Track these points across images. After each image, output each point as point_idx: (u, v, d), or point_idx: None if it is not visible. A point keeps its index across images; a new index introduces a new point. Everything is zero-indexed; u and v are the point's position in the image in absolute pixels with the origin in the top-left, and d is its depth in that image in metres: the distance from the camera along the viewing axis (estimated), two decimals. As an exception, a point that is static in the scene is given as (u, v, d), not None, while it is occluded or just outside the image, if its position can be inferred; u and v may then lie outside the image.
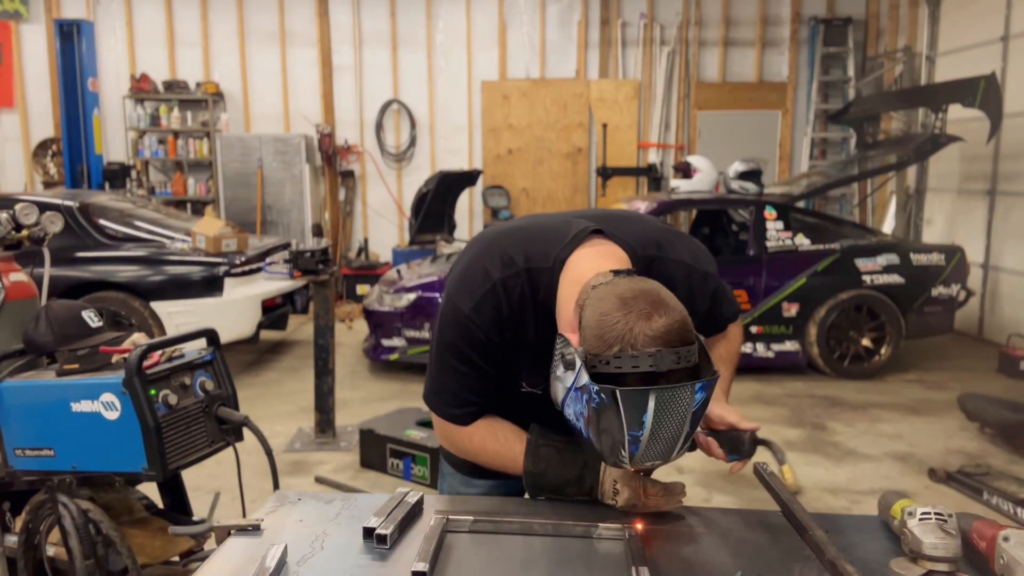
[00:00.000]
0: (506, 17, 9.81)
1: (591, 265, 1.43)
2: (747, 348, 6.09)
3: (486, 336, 1.50)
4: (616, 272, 1.36)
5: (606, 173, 9.52)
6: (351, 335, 7.77)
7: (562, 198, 9.99)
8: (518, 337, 1.52)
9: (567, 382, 1.33)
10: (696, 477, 4.20)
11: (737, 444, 1.56)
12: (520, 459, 1.56)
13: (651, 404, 1.22)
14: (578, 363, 1.28)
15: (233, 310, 5.93)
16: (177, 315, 5.82)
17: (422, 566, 1.27)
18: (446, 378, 1.58)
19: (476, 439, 1.61)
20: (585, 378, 1.26)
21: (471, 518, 1.47)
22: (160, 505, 2.48)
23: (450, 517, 1.46)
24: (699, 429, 1.61)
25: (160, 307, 5.84)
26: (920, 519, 1.27)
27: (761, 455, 1.60)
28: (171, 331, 5.73)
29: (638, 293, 1.27)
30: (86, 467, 2.12)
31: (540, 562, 1.35)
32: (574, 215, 1.61)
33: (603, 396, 1.24)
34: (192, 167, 9.96)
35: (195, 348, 2.28)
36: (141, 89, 9.55)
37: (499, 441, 1.59)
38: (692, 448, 1.62)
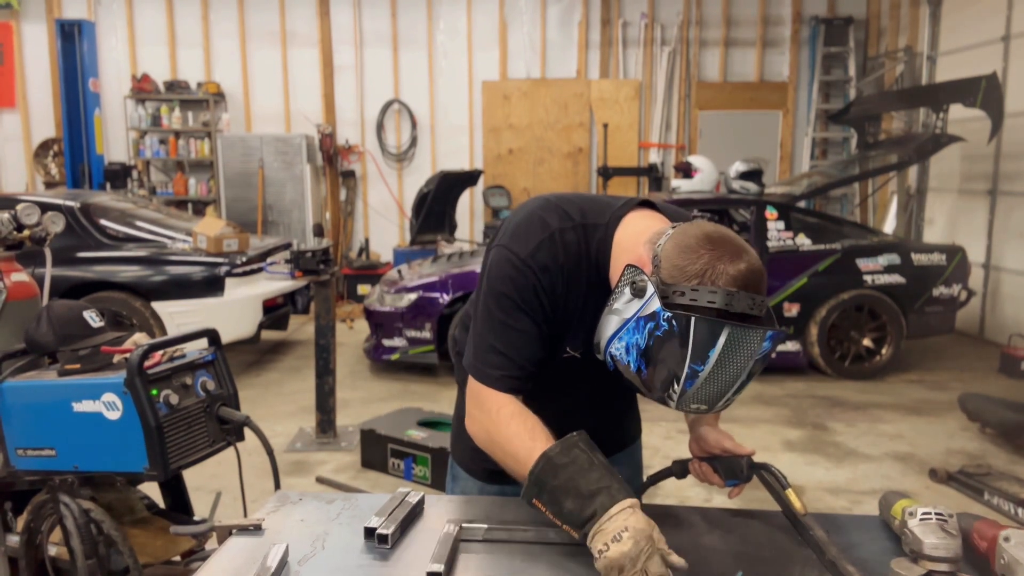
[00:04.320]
0: (507, 17, 9.81)
1: (647, 224, 1.43)
2: (748, 348, 6.08)
3: (541, 283, 1.43)
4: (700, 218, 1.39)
5: (607, 173, 9.52)
6: (352, 335, 7.77)
7: (563, 198, 9.97)
8: (571, 293, 1.47)
9: (629, 312, 1.29)
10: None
11: (735, 469, 1.53)
12: (533, 456, 1.35)
13: (722, 339, 1.21)
14: (650, 290, 1.26)
15: (234, 310, 5.93)
16: (178, 315, 5.82)
17: (437, 567, 1.26)
18: (491, 335, 1.46)
19: (504, 412, 1.44)
20: (656, 304, 1.25)
21: (484, 526, 1.45)
22: (161, 505, 2.48)
23: (463, 525, 1.45)
24: (694, 456, 1.58)
25: (161, 307, 5.84)
26: (921, 519, 1.27)
27: (759, 455, 1.60)
28: (172, 331, 5.73)
29: (724, 236, 1.28)
30: (88, 467, 2.12)
31: (555, 573, 1.34)
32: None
33: (674, 324, 1.22)
34: (193, 167, 9.96)
35: (196, 348, 2.28)
36: (142, 89, 9.56)
37: (525, 427, 1.41)
38: (683, 475, 1.59)
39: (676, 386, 1.26)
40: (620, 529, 1.23)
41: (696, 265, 1.24)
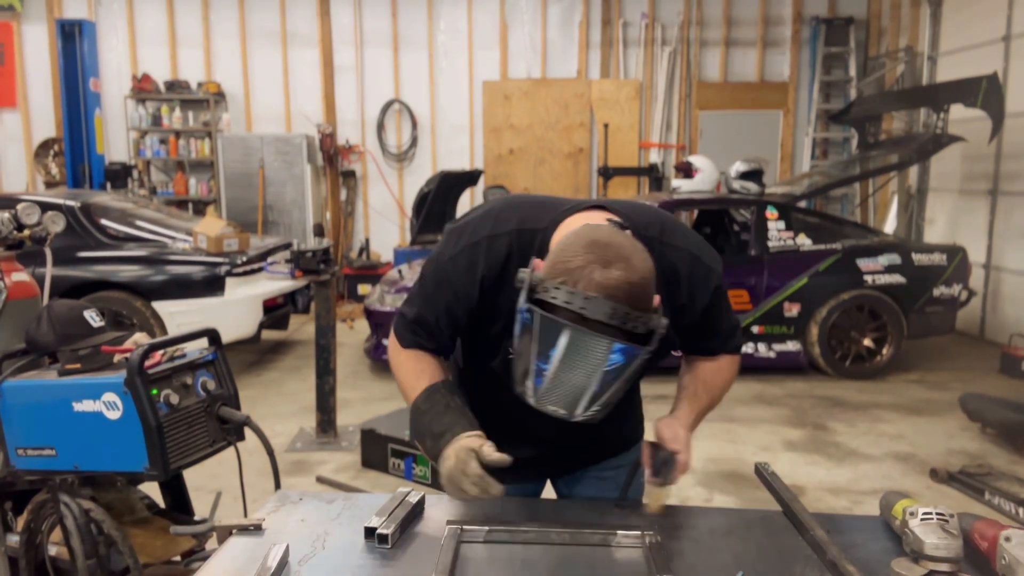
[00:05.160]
0: (507, 17, 9.81)
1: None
2: (748, 348, 6.08)
3: (452, 285, 1.53)
4: (612, 223, 1.36)
5: (607, 173, 9.52)
6: (352, 335, 7.77)
7: (563, 198, 9.97)
8: (501, 296, 1.50)
9: (519, 305, 1.34)
10: (697, 477, 4.20)
11: (667, 467, 1.54)
12: (415, 395, 1.57)
13: (563, 340, 1.23)
14: (526, 283, 1.29)
15: (234, 310, 5.93)
16: (179, 315, 5.82)
17: None
18: (411, 302, 1.62)
19: (403, 356, 1.63)
20: (523, 298, 1.28)
21: (486, 528, 1.45)
22: (162, 505, 2.48)
23: (464, 527, 1.45)
24: (646, 449, 1.59)
25: (162, 307, 5.84)
26: (922, 519, 1.27)
27: (760, 455, 1.60)
28: (172, 331, 5.73)
29: (610, 243, 1.27)
30: (88, 467, 2.12)
31: (558, 572, 1.34)
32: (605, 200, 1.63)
33: (528, 316, 1.26)
34: (193, 167, 9.96)
35: (197, 348, 2.28)
36: (143, 89, 9.56)
37: (416, 371, 1.59)
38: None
39: (528, 382, 1.30)
40: (452, 455, 1.42)
41: (567, 265, 1.26)
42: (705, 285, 1.56)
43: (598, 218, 1.48)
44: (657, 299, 1.32)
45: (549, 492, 1.89)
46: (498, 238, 1.50)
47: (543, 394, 1.30)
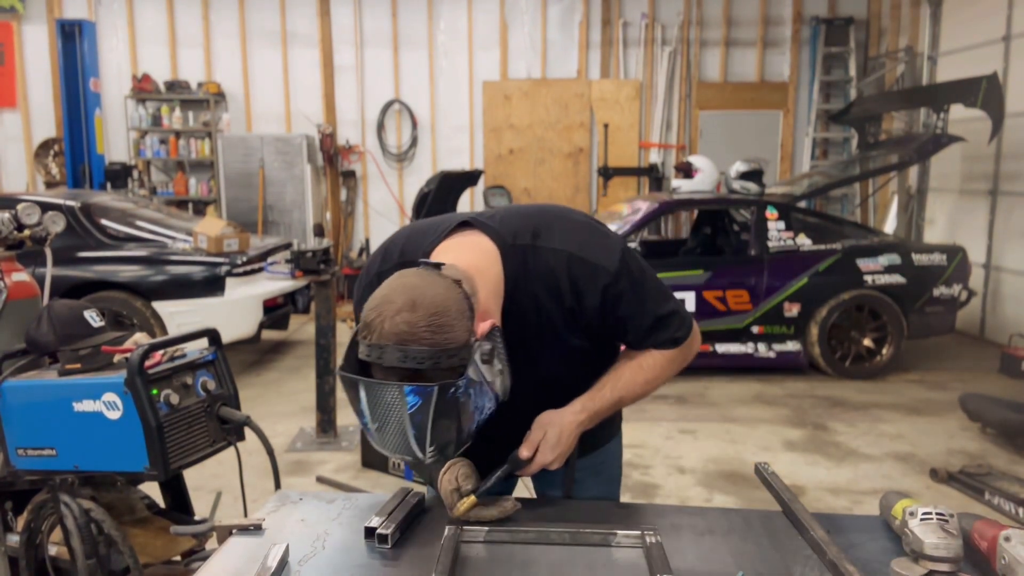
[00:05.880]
0: (507, 17, 9.80)
1: (449, 256, 1.44)
2: (748, 348, 6.09)
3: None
4: (424, 264, 1.37)
5: (607, 173, 9.51)
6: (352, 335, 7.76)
7: (563, 198, 9.98)
8: None
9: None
10: (697, 477, 4.20)
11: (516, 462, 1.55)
12: None
13: (363, 394, 1.26)
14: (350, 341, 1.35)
15: (235, 310, 5.93)
16: (179, 315, 5.82)
17: None
18: None
19: None
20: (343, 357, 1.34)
21: (486, 528, 1.45)
22: (162, 505, 2.48)
23: (464, 527, 1.45)
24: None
25: (162, 307, 5.84)
26: (921, 519, 1.27)
27: (760, 455, 1.60)
28: (173, 331, 5.73)
29: (406, 289, 1.29)
30: (88, 467, 2.12)
31: (558, 572, 1.34)
32: (483, 212, 1.62)
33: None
34: (194, 167, 9.96)
35: (197, 348, 2.28)
36: (143, 89, 9.56)
37: None
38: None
39: (370, 437, 1.34)
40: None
41: (366, 319, 1.29)
42: (592, 284, 1.49)
43: (462, 241, 1.49)
44: (486, 326, 1.33)
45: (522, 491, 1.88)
46: (384, 274, 1.47)
47: (380, 445, 1.33)
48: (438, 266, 1.36)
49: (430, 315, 1.25)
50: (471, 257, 1.44)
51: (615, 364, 1.63)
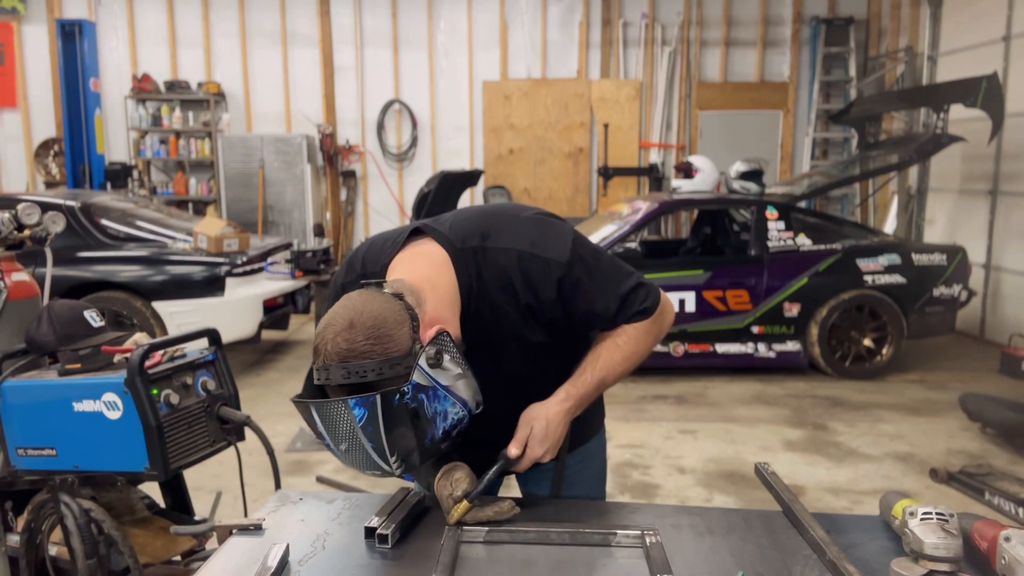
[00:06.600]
0: (507, 17, 9.81)
1: (401, 269, 1.48)
2: (748, 348, 6.08)
3: None
4: (366, 284, 1.40)
5: (607, 173, 9.51)
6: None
7: (563, 198, 9.99)
8: None
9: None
10: (697, 477, 4.20)
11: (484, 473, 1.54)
12: None
13: (317, 416, 1.30)
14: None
15: (235, 310, 5.93)
16: (179, 315, 5.81)
17: None
18: None
19: None
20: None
21: (486, 528, 1.45)
22: (162, 505, 2.48)
23: (464, 527, 1.45)
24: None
25: (162, 307, 5.84)
26: (921, 519, 1.27)
27: (760, 455, 1.59)
28: (173, 331, 5.73)
29: (346, 310, 1.32)
30: (88, 467, 2.12)
31: (558, 572, 1.34)
32: (438, 217, 1.63)
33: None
34: (194, 167, 9.96)
35: (197, 348, 2.28)
36: (143, 89, 9.56)
37: None
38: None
39: (338, 458, 1.38)
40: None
41: (316, 342, 1.32)
42: (545, 278, 1.49)
43: (413, 252, 1.51)
44: (431, 332, 1.35)
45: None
46: (348, 287, 1.50)
47: (349, 465, 1.37)
48: (380, 284, 1.39)
49: (367, 329, 1.29)
50: (420, 268, 1.46)
51: (592, 347, 1.62)
